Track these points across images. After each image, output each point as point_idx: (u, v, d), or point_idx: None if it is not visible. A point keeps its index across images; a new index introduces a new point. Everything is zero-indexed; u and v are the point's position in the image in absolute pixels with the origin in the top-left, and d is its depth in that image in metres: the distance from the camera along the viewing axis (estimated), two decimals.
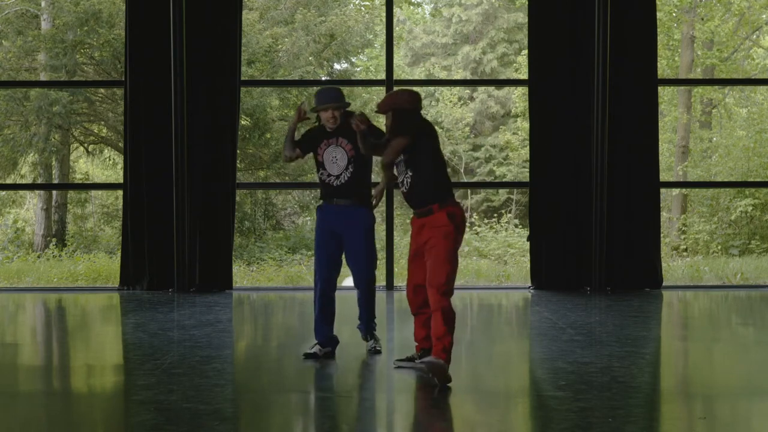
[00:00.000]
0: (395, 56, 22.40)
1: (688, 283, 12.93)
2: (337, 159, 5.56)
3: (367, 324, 5.77)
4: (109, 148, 19.89)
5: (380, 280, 10.75)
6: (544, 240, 10.01)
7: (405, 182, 5.07)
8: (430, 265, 4.88)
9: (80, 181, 20.50)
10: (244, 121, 17.61)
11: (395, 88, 5.37)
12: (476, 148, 23.54)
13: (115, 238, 18.17)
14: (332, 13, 19.56)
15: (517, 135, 22.24)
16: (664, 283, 10.27)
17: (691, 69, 19.72)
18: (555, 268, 9.97)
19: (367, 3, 22.31)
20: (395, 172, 5.18)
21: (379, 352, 5.72)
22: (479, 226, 19.60)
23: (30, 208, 20.60)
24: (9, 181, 18.99)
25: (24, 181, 19.56)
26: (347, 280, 14.52)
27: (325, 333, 5.64)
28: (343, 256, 5.67)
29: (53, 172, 18.49)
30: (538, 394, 4.63)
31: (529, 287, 10.18)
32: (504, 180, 22.05)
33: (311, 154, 5.74)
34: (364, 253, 5.58)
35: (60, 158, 18.32)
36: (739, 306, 9.15)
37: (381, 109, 5.14)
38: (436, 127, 5.23)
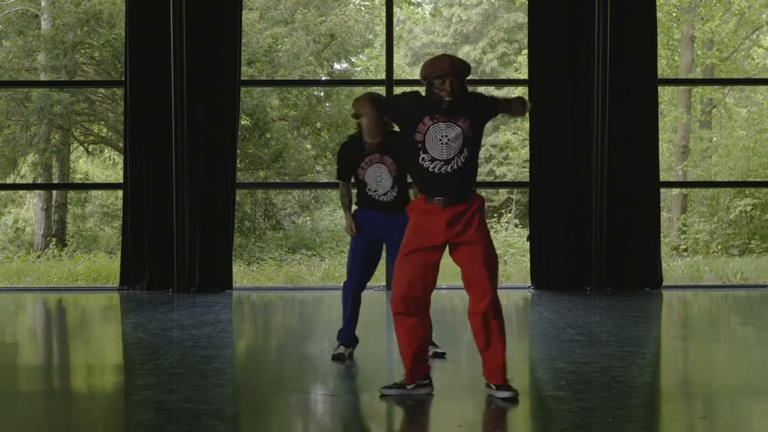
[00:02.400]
0: (395, 56, 22.40)
1: (688, 283, 12.93)
2: (381, 179, 5.34)
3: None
4: (109, 148, 19.90)
5: (380, 280, 10.76)
6: (544, 240, 10.01)
7: (453, 164, 4.31)
8: (479, 264, 4.34)
9: (80, 181, 20.50)
10: (244, 121, 17.61)
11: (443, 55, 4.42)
12: None
13: (115, 238, 18.16)
14: (332, 13, 19.56)
15: (517, 135, 22.23)
16: (664, 283, 10.27)
17: (691, 69, 19.72)
18: (555, 268, 9.97)
19: (367, 3, 22.31)
20: (425, 156, 4.33)
21: (443, 355, 5.62)
22: None
23: (30, 208, 20.60)
24: (9, 181, 18.99)
25: (24, 181, 19.56)
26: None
27: (350, 333, 5.61)
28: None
29: (53, 172, 18.50)
30: (538, 394, 4.62)
31: (529, 287, 10.18)
32: (504, 180, 22.05)
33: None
34: None
35: (60, 158, 18.33)
36: (739, 306, 9.15)
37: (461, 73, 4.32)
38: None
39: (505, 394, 4.37)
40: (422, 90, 4.46)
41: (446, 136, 4.30)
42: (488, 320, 4.36)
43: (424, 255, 4.39)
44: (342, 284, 5.62)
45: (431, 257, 4.41)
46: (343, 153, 5.54)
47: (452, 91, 4.27)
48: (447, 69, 4.28)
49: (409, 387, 4.52)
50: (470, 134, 4.33)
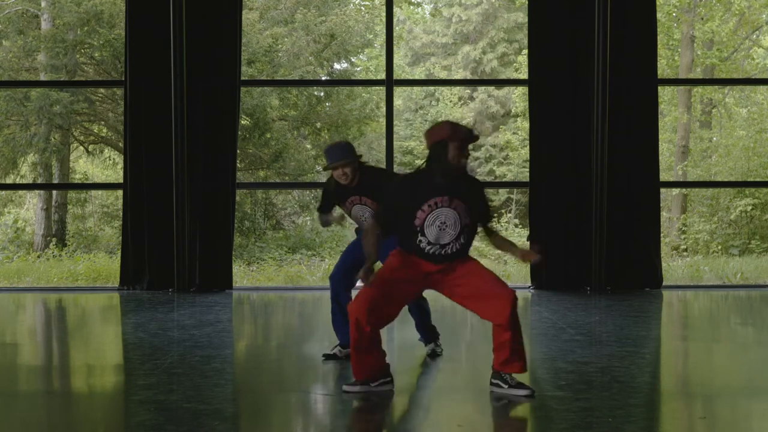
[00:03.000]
0: (395, 56, 22.40)
1: (688, 283, 12.93)
2: (365, 217, 5.40)
3: (429, 329, 5.68)
4: (109, 148, 19.90)
5: None
6: (544, 240, 10.01)
7: (449, 248, 4.42)
8: (489, 278, 4.51)
9: (80, 181, 20.51)
10: (244, 121, 17.61)
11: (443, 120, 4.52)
12: (476, 147, 23.55)
13: (115, 238, 18.17)
14: (332, 13, 19.57)
15: (517, 135, 22.24)
16: (664, 283, 10.27)
17: (691, 69, 19.73)
18: (555, 268, 9.97)
19: (367, 3, 22.32)
20: (426, 236, 4.42)
21: (440, 354, 5.64)
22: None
23: (30, 208, 20.61)
24: (9, 181, 18.99)
25: (24, 181, 19.56)
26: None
27: (346, 334, 5.61)
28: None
29: (53, 172, 18.50)
30: (538, 394, 4.62)
31: (529, 287, 10.18)
32: (504, 180, 22.05)
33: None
34: None
35: (60, 158, 18.33)
36: (739, 306, 9.15)
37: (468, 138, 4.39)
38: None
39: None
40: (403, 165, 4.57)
41: (444, 223, 4.36)
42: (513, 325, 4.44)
43: (402, 285, 4.44)
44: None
45: (410, 289, 4.50)
46: (327, 190, 5.64)
47: (468, 156, 4.38)
48: (467, 135, 4.34)
49: (373, 384, 4.52)
50: (467, 222, 4.39)
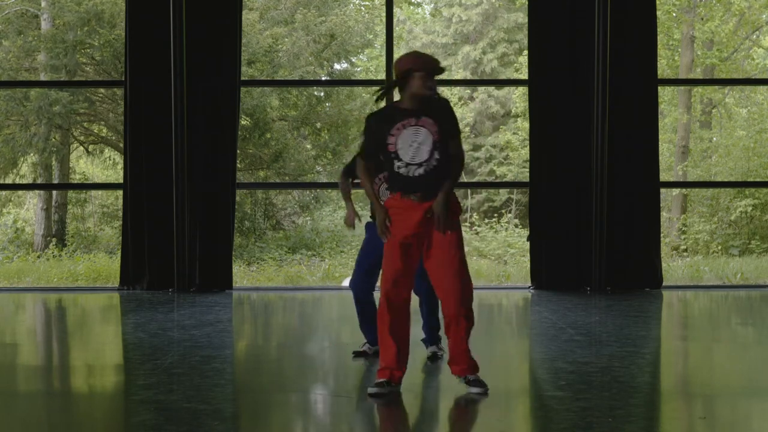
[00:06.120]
0: (395, 56, 22.37)
1: (688, 283, 12.93)
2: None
3: (432, 330, 5.61)
4: (109, 148, 19.90)
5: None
6: (544, 240, 10.01)
7: (425, 166, 4.42)
8: (455, 268, 4.44)
9: (80, 181, 20.51)
10: (244, 121, 17.61)
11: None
12: (476, 148, 23.55)
13: (115, 238, 18.17)
14: (332, 13, 19.56)
15: (517, 135, 22.23)
16: (664, 283, 10.26)
17: (691, 69, 19.72)
18: (555, 268, 9.97)
19: (367, 3, 22.32)
20: (400, 161, 4.45)
21: (440, 357, 5.57)
22: (479, 225, 19.61)
23: (30, 208, 20.60)
24: (9, 181, 18.99)
25: (24, 181, 19.56)
26: (348, 280, 14.46)
27: (372, 332, 5.59)
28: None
29: (53, 172, 18.50)
30: (538, 394, 4.63)
31: (529, 287, 10.18)
32: (504, 180, 22.05)
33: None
34: None
35: (60, 158, 18.33)
36: (739, 306, 9.15)
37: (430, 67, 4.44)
38: None
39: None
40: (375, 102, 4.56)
41: (415, 140, 4.41)
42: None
43: (405, 246, 4.47)
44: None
45: (411, 248, 4.49)
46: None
47: (432, 87, 4.44)
48: (432, 66, 4.43)
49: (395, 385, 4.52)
50: (437, 138, 4.41)
